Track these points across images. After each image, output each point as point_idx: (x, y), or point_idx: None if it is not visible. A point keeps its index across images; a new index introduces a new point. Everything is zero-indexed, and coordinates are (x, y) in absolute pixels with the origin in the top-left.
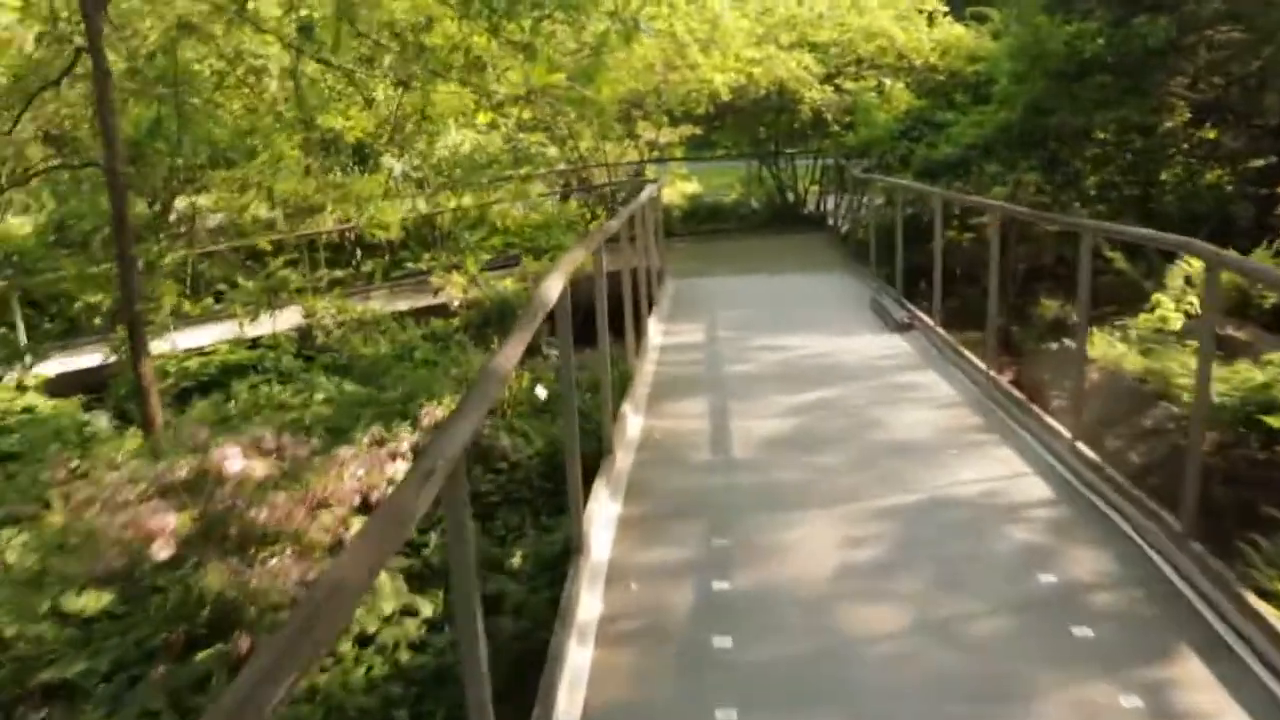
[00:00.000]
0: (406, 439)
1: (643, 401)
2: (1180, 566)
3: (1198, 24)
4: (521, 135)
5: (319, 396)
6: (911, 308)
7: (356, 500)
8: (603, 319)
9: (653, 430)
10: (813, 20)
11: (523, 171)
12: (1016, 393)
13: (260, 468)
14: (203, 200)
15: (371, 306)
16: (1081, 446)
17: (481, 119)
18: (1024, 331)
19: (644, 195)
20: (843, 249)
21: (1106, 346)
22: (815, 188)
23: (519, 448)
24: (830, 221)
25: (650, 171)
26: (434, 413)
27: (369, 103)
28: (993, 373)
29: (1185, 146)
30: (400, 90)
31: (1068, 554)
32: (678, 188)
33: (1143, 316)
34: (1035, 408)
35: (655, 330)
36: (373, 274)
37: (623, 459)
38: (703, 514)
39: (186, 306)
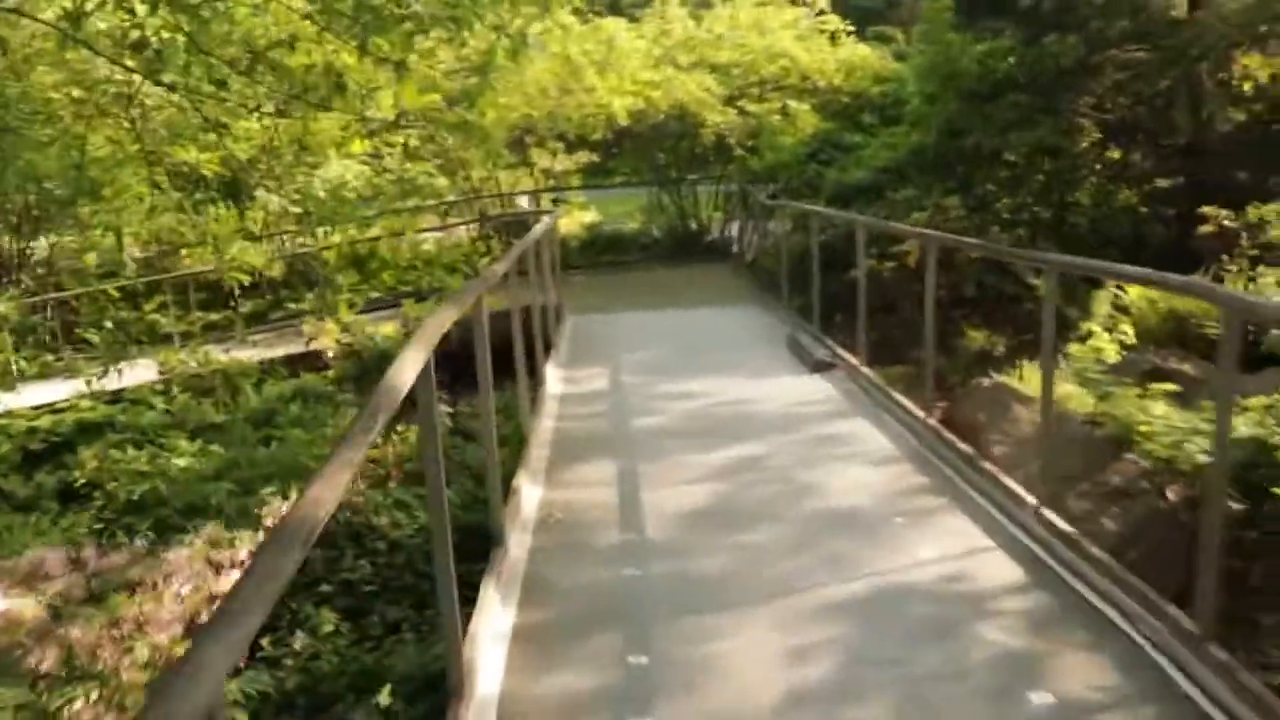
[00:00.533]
0: (245, 547)
1: (541, 469)
2: (1201, 680)
3: (1105, 43)
4: (408, 165)
5: (178, 463)
6: (831, 344)
7: (179, 629)
8: (485, 380)
9: (552, 507)
10: (712, 41)
11: (410, 204)
12: (962, 444)
13: (30, 607)
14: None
15: (238, 357)
16: (1048, 514)
17: (356, 148)
18: (949, 364)
19: (538, 229)
20: (750, 278)
21: (1025, 374)
22: (718, 214)
23: (400, 523)
24: (735, 249)
25: (546, 201)
26: (279, 511)
27: (218, 131)
28: (931, 420)
29: (1097, 167)
30: (272, 118)
31: (1059, 662)
32: (575, 217)
33: (1075, 347)
34: (987, 464)
35: (554, 377)
36: (251, 316)
37: (516, 549)
38: (615, 620)
39: (20, 362)
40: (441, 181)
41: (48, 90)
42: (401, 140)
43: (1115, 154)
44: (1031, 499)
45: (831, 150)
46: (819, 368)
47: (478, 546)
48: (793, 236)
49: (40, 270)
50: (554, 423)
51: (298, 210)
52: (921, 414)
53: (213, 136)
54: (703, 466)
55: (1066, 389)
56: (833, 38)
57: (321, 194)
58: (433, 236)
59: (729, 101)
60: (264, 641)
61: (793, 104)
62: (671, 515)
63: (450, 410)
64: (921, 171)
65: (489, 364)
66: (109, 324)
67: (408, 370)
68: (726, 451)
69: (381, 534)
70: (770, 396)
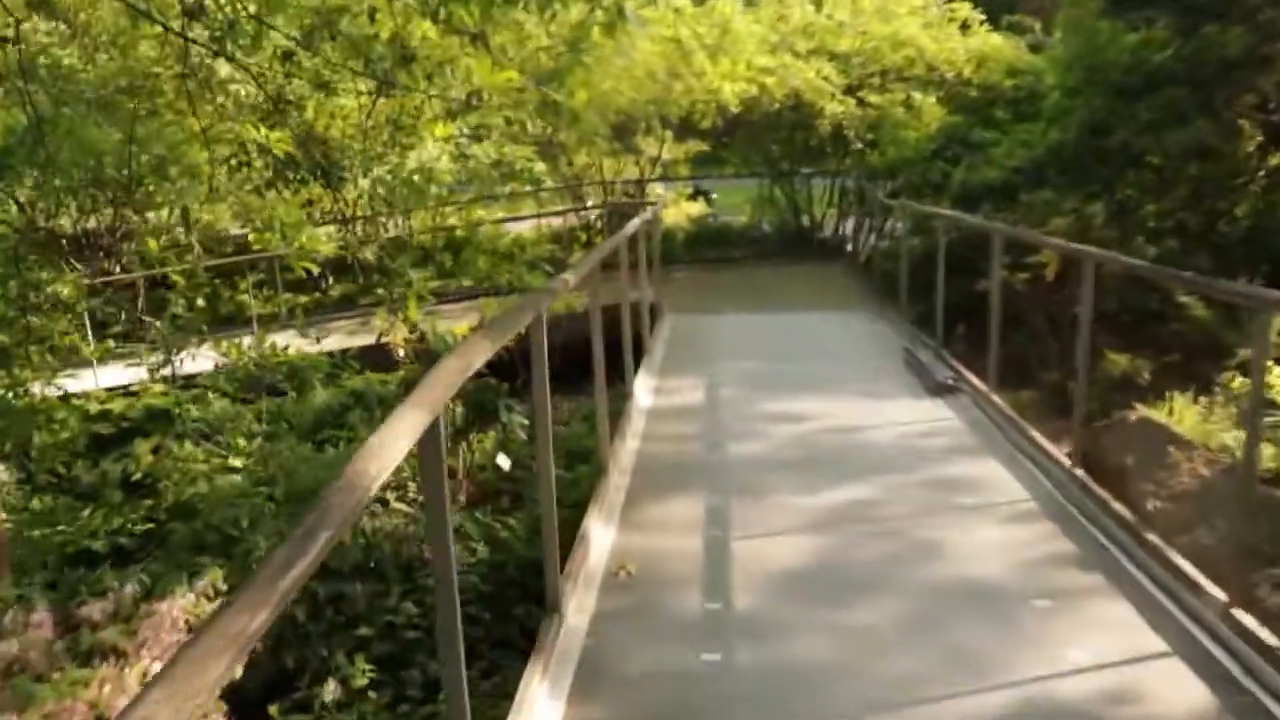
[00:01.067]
0: None
1: (618, 503)
2: None
3: (1277, 34)
4: (506, 149)
5: (235, 463)
6: (954, 363)
7: None
8: (545, 415)
9: (626, 556)
10: (833, 27)
11: (508, 189)
12: (1120, 508)
13: None
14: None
15: (308, 347)
16: (1243, 617)
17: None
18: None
19: (633, 223)
20: (865, 282)
21: (1198, 420)
22: (832, 211)
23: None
24: (849, 248)
25: (655, 191)
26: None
27: (282, 109)
28: (1079, 471)
29: (1259, 174)
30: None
31: None
32: (683, 208)
33: (1238, 380)
34: (1154, 537)
35: (644, 387)
36: (342, 300)
37: (575, 616)
38: None
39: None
40: (539, 167)
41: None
42: (499, 120)
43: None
44: (1218, 592)
45: (958, 147)
46: (940, 390)
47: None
48: (913, 239)
49: (131, 247)
50: (639, 444)
51: (383, 192)
52: (1066, 460)
53: (292, 113)
54: (804, 512)
55: (1233, 434)
56: (963, 26)
57: (414, 177)
58: (531, 224)
59: (848, 91)
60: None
61: (917, 96)
62: (764, 576)
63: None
64: (1060, 172)
65: (547, 394)
66: (178, 309)
67: (395, 443)
68: (833, 493)
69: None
70: (885, 423)
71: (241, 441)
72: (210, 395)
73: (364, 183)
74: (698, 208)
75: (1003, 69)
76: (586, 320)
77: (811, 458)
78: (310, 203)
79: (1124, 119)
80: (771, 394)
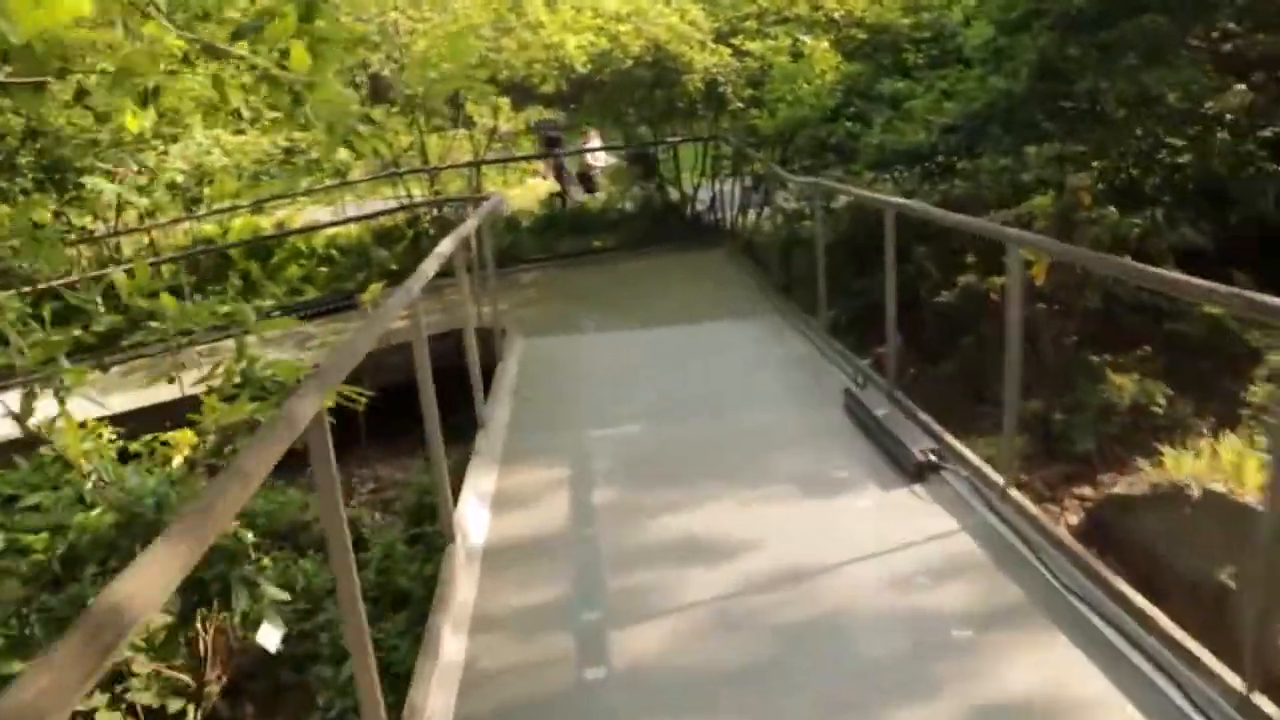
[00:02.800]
0: None
1: None
2: None
3: None
4: (297, 135)
5: None
6: (921, 415)
7: None
8: None
9: None
10: None
11: (304, 184)
12: None
13: None
14: None
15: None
16: None
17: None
18: (1071, 420)
19: (466, 227)
20: (756, 272)
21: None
22: (705, 180)
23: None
24: (726, 222)
25: (491, 178)
26: None
27: None
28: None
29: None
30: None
31: None
32: (529, 189)
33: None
34: None
35: (476, 499)
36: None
37: None
38: None
39: None
40: (343, 155)
41: None
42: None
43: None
44: None
45: (861, 102)
46: (920, 471)
47: None
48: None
49: None
50: (461, 655)
51: (143, 201)
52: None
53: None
54: None
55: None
56: None
57: (179, 175)
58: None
59: (720, 39)
60: None
61: (806, 40)
62: None
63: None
64: (1006, 131)
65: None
66: None
67: None
68: None
69: None
70: (852, 553)
71: None
72: None
73: (109, 188)
74: (545, 186)
75: (898, 5)
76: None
77: (758, 661)
78: (58, 215)
79: (1086, 59)
80: (667, 492)
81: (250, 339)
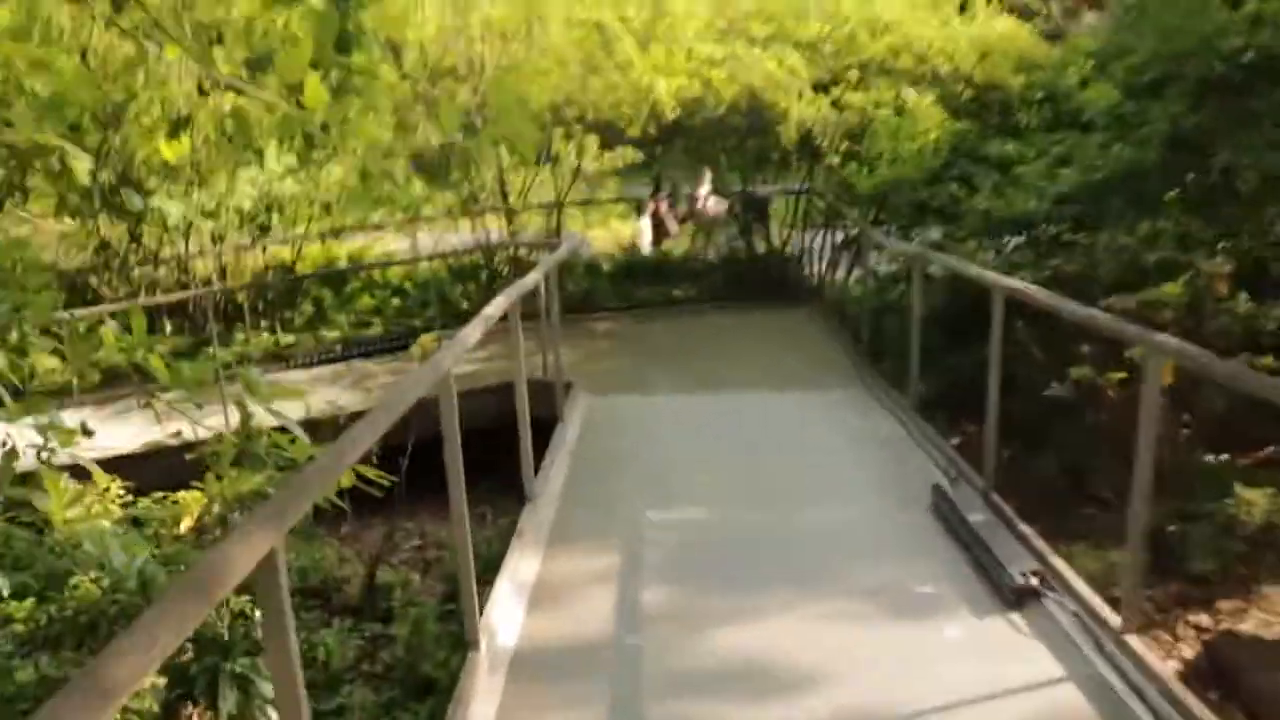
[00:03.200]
0: None
1: None
2: None
3: None
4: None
5: None
6: (1020, 526)
7: None
8: None
9: None
10: (795, 7)
11: (375, 217)
12: None
13: None
14: None
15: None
16: None
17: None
18: (1190, 537)
19: (530, 279)
20: (843, 338)
21: None
22: (790, 232)
23: None
24: (814, 277)
25: (574, 217)
26: None
27: None
28: None
29: None
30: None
31: None
32: (613, 231)
33: None
34: None
35: (517, 576)
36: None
37: None
38: None
39: None
40: (417, 188)
41: None
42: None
43: None
44: None
45: (966, 163)
46: (1019, 597)
47: None
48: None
49: None
50: None
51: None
52: None
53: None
54: None
55: None
56: (962, 7)
57: (248, 201)
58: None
59: (819, 89)
60: None
61: (910, 94)
62: None
63: None
64: (1133, 204)
65: None
66: None
67: None
68: None
69: None
70: (942, 696)
71: None
72: None
73: (174, 210)
74: (629, 229)
75: (1011, 63)
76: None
77: None
78: (133, 237)
79: (1221, 129)
80: (725, 598)
81: (300, 376)
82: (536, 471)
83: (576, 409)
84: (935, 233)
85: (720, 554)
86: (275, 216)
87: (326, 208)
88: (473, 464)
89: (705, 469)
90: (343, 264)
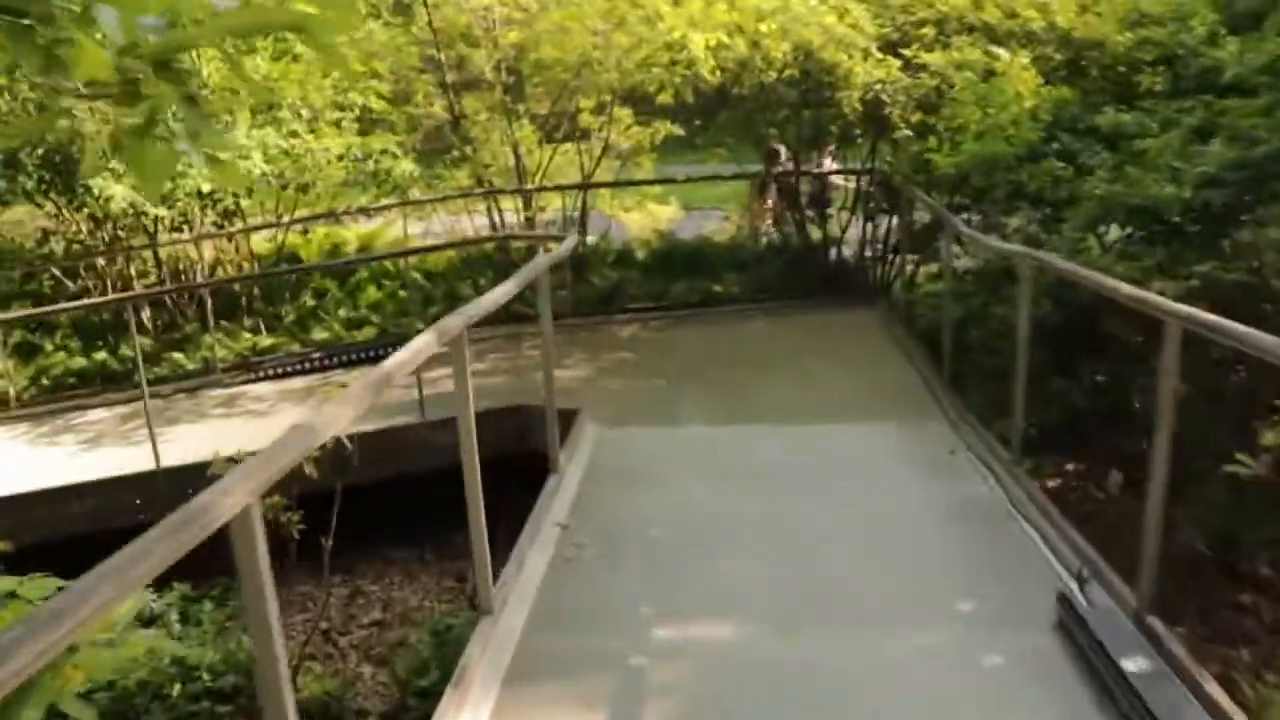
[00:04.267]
0: None
1: None
2: None
3: None
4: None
5: None
6: (1221, 699)
7: None
8: None
9: None
10: None
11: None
12: None
13: None
14: None
15: None
16: None
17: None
18: None
19: (444, 326)
20: (919, 350)
21: None
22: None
23: None
24: (876, 271)
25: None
26: None
27: None
28: None
29: None
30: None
31: None
32: (650, 213)
33: None
34: None
35: None
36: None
37: None
38: None
39: None
40: (404, 167)
41: None
42: (356, 95)
43: None
44: None
45: (1067, 137)
46: None
47: None
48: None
49: None
50: None
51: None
52: None
53: None
54: None
55: None
56: None
57: (206, 183)
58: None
59: (887, 49)
60: None
61: (1002, 54)
62: None
63: None
64: None
65: None
66: None
67: None
68: None
69: None
70: None
71: None
72: None
73: (118, 192)
74: (667, 211)
75: (1115, 19)
76: None
77: None
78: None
79: None
80: None
81: (267, 390)
82: (497, 576)
83: (580, 449)
84: (1021, 221)
85: (753, 709)
86: (244, 200)
87: (304, 189)
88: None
89: (736, 557)
90: (350, 250)
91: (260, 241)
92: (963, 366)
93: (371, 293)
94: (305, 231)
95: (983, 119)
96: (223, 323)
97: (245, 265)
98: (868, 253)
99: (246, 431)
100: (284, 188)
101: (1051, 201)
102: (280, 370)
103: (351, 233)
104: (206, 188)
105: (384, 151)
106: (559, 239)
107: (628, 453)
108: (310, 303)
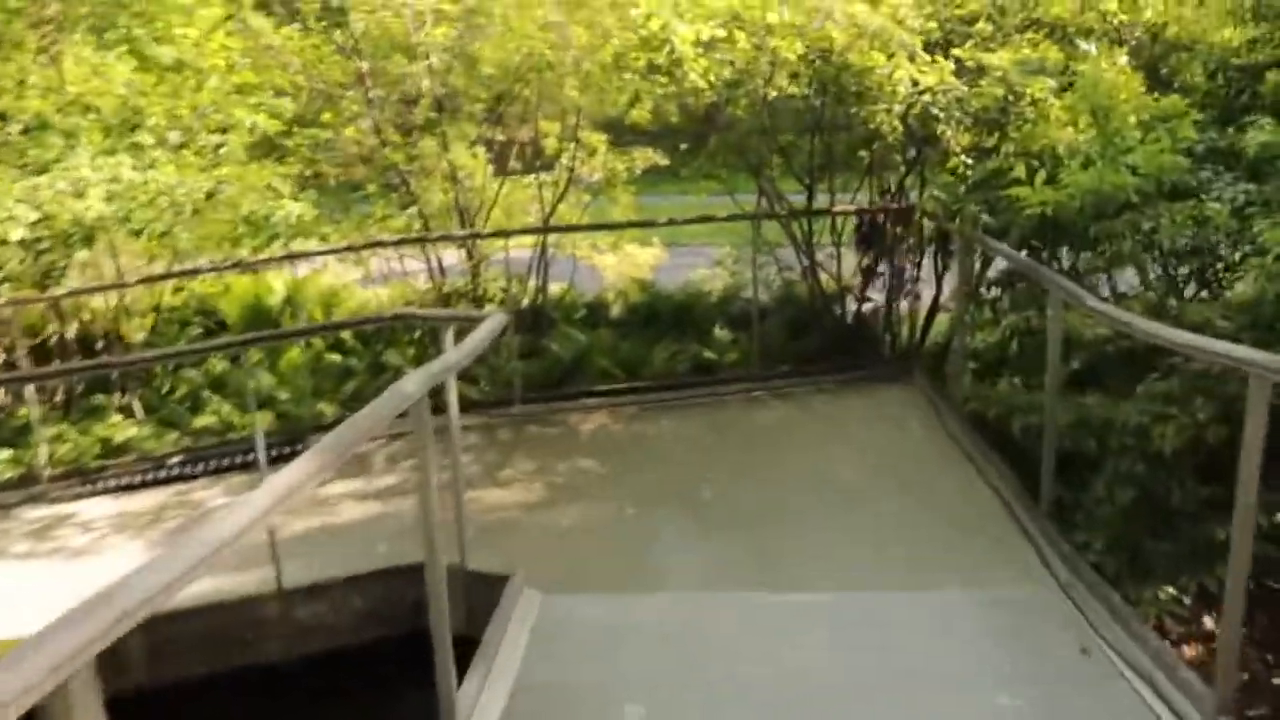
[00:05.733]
0: None
1: None
2: None
3: None
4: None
5: None
6: None
7: None
8: None
9: None
10: None
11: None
12: None
13: None
14: None
15: None
16: None
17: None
18: None
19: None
20: (988, 455)
21: None
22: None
23: None
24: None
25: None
26: None
27: None
28: None
29: None
30: None
31: None
32: (630, 258)
33: None
34: None
35: None
36: None
37: None
38: None
39: None
40: (293, 207)
41: None
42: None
43: None
44: None
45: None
46: None
47: None
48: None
49: None
50: None
51: None
52: None
53: None
54: None
55: None
56: None
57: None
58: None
59: (931, 48)
60: None
61: (1089, 49)
62: None
63: None
64: None
65: None
66: None
67: None
68: None
69: None
70: None
71: None
72: None
73: None
74: (648, 255)
75: (1223, 11)
76: None
77: None
78: None
79: None
80: None
81: (104, 510)
82: None
83: (511, 636)
84: (1149, 281)
85: None
86: (78, 248)
87: (164, 235)
88: None
89: None
90: (276, 301)
91: (169, 291)
92: (1067, 493)
93: (295, 355)
94: (181, 289)
95: (1094, 139)
96: (93, 398)
97: (140, 320)
98: (894, 305)
99: (54, 580)
100: (136, 234)
101: (1192, 251)
102: (125, 482)
103: (280, 281)
104: (16, 234)
105: (268, 187)
106: (477, 320)
107: (576, 645)
108: (221, 367)
